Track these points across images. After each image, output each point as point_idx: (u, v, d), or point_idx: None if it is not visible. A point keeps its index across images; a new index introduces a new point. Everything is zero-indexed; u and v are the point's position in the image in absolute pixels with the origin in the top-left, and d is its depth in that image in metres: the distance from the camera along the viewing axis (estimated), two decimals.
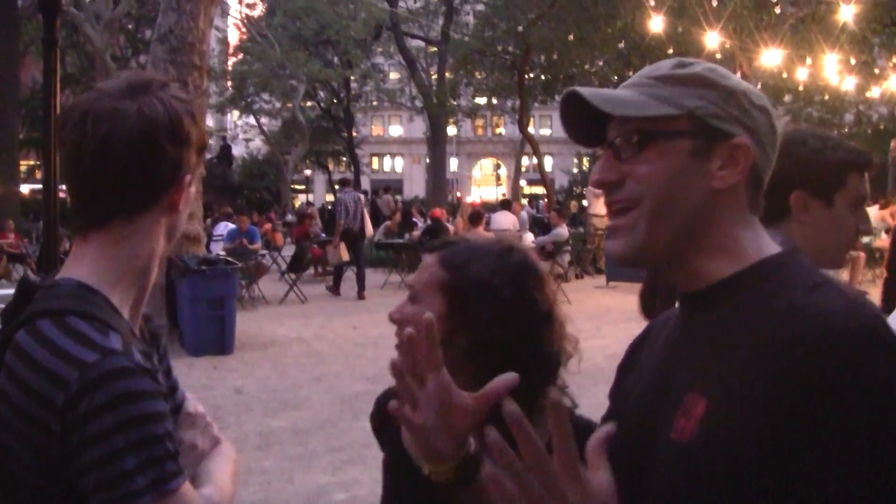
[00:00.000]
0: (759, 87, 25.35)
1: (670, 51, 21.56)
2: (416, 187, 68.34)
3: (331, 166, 55.95)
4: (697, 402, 1.28)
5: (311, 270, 20.75)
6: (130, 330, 1.59)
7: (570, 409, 1.90)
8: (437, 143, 44.26)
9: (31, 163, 44.08)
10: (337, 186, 25.25)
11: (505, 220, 19.56)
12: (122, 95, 1.59)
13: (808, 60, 20.08)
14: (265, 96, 43.10)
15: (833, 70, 19.49)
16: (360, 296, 16.97)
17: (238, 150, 53.16)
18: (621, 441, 1.44)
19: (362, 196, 19.21)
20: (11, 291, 1.66)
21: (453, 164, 64.94)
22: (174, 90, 1.65)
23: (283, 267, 18.46)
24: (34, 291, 1.59)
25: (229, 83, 43.54)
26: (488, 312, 1.82)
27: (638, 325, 1.60)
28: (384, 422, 2.03)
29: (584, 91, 1.39)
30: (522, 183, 57.91)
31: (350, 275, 17.99)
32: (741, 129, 1.37)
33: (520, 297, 1.86)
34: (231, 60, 44.97)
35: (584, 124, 1.44)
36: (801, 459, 1.15)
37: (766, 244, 1.40)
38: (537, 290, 1.90)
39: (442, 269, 1.90)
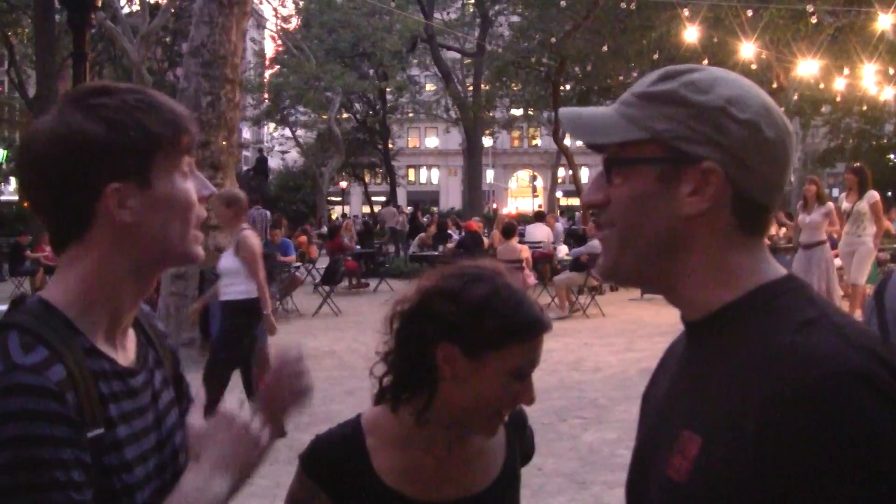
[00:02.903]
0: (795, 97, 25.23)
1: (705, 62, 21.38)
2: (452, 199, 68.44)
3: (367, 178, 56.09)
4: (692, 440, 1.23)
5: (345, 283, 20.81)
6: (87, 349, 1.52)
7: None
8: (473, 155, 44.30)
9: None
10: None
11: (539, 233, 19.51)
12: (50, 114, 1.56)
13: (846, 70, 19.85)
14: (301, 108, 43.26)
15: (871, 80, 19.27)
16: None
17: (274, 163, 53.44)
18: (630, 471, 1.43)
19: (269, 214, 21.54)
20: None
21: (489, 175, 65.01)
22: (104, 96, 1.54)
23: (317, 279, 18.51)
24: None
25: (266, 95, 43.82)
26: None
27: (671, 340, 1.55)
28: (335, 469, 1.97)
29: (563, 114, 1.42)
30: (559, 194, 57.83)
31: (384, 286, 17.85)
32: (713, 150, 1.28)
33: None
34: (267, 73, 45.26)
35: None
36: None
37: (765, 268, 1.32)
38: None
39: None
